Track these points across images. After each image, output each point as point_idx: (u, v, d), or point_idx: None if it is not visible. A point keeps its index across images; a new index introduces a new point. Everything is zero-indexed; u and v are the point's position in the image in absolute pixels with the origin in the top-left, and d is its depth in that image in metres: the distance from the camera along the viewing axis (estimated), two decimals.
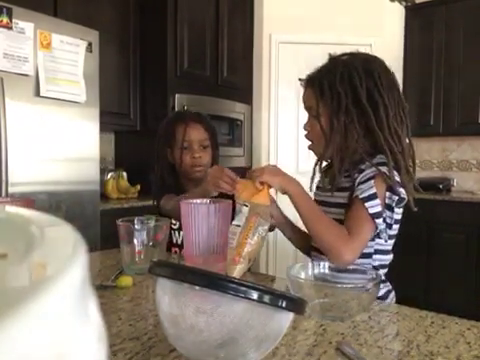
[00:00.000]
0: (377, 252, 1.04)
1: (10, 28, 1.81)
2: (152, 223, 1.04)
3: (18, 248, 0.22)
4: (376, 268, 1.02)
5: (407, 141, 1.05)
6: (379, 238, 1.02)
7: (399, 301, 0.98)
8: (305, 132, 1.13)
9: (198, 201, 1.05)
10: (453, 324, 0.72)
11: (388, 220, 0.98)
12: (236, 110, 3.06)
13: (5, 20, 1.79)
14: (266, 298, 0.48)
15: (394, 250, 1.07)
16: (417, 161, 4.41)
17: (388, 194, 0.97)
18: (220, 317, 0.49)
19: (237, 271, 0.95)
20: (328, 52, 1.12)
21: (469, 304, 2.90)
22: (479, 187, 3.47)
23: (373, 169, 0.99)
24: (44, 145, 1.96)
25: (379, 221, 0.96)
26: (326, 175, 1.13)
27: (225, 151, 3.01)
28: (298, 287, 0.74)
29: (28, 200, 1.07)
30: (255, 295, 0.47)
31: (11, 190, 1.83)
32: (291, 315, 0.52)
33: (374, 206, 0.95)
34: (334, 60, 1.09)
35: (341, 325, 0.71)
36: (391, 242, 1.05)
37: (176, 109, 2.65)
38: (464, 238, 2.99)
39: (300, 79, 1.14)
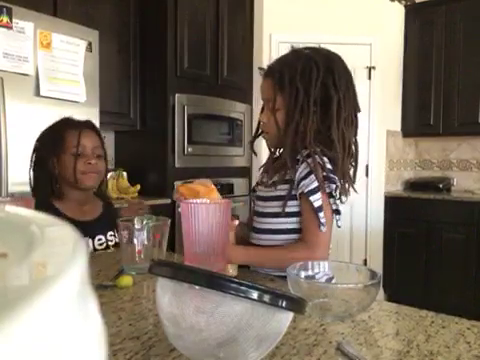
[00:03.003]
0: None
1: (10, 28, 1.81)
2: (152, 223, 1.04)
3: (18, 248, 0.22)
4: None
5: (352, 144, 1.07)
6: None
7: (399, 300, 0.98)
8: (261, 122, 1.12)
9: (198, 201, 1.05)
10: (453, 324, 0.72)
11: (334, 206, 1.02)
12: (236, 110, 3.06)
13: (5, 20, 1.79)
14: (266, 298, 0.48)
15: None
16: (417, 160, 4.34)
17: (326, 183, 1.00)
18: (220, 317, 0.49)
19: None
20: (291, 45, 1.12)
21: (469, 304, 2.90)
22: (479, 187, 3.47)
23: (309, 160, 1.01)
24: None
25: (321, 215, 0.98)
26: (266, 169, 1.14)
27: (225, 151, 3.01)
28: (298, 287, 0.74)
29: (28, 200, 1.07)
30: (255, 295, 0.47)
31: (11, 190, 1.83)
32: (291, 315, 0.53)
33: (317, 200, 0.98)
34: (296, 53, 1.08)
35: (341, 325, 0.71)
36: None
37: (176, 109, 2.65)
38: (464, 238, 2.99)
39: (260, 68, 1.13)
